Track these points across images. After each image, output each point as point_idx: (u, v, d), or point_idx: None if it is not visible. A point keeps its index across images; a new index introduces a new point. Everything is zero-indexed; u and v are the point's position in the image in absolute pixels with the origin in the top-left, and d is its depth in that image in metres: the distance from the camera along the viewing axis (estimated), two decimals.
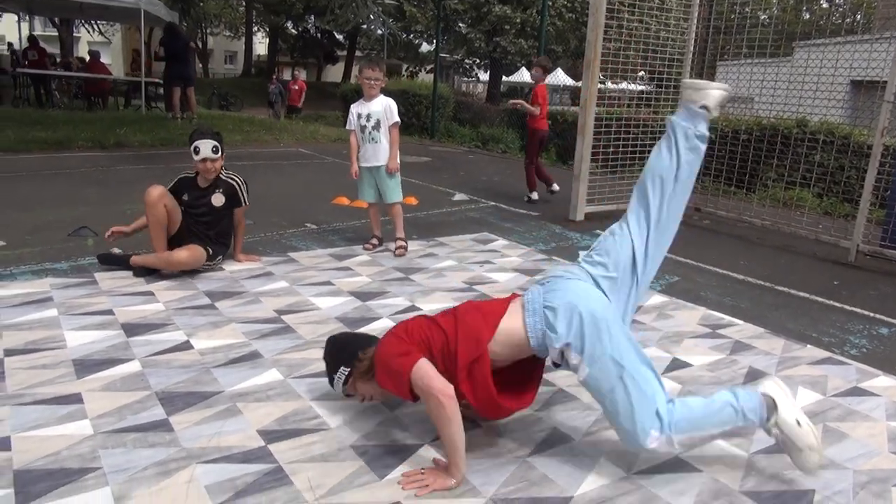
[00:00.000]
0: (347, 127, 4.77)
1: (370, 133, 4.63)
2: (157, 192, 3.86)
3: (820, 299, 4.28)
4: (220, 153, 3.98)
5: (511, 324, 2.13)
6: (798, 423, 2.06)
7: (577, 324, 2.04)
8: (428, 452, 2.20)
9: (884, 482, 2.20)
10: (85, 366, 2.68)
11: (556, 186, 7.45)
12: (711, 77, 8.36)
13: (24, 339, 2.91)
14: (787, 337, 3.51)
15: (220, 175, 4.08)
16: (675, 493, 2.06)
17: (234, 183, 4.11)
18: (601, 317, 2.05)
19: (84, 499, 1.87)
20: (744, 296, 4.28)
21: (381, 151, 4.67)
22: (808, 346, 3.42)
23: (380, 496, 1.97)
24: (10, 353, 2.76)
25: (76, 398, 2.42)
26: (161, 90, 13.51)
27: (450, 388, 2.01)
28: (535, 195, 7.26)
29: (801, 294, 4.38)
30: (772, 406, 2.08)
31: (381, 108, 4.64)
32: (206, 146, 3.93)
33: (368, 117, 4.63)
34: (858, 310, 4.10)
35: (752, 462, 2.27)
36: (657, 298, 4.05)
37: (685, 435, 2.03)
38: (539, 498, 2.00)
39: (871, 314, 4.05)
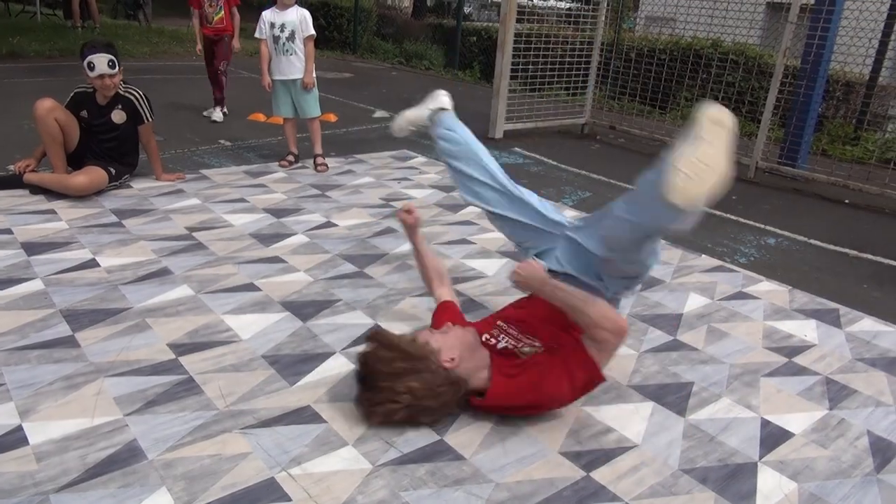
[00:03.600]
0: (257, 35, 4.58)
1: (284, 45, 4.48)
2: (47, 105, 3.62)
3: (718, 212, 4.53)
4: (116, 67, 3.71)
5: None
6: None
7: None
8: (337, 360, 2.28)
9: (755, 373, 2.44)
10: None
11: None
12: None
13: None
14: (684, 248, 3.73)
15: (119, 90, 3.83)
16: None
17: (134, 98, 3.86)
18: None
19: None
20: None
21: (296, 64, 4.54)
22: (703, 255, 3.65)
23: (289, 401, 2.04)
24: None
25: None
26: None
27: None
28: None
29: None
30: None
31: (296, 18, 4.49)
32: (101, 61, 3.64)
33: (283, 27, 4.46)
34: (751, 222, 4.38)
35: (640, 359, 2.46)
36: (569, 213, 4.19)
37: None
38: None
39: (762, 226, 4.33)
